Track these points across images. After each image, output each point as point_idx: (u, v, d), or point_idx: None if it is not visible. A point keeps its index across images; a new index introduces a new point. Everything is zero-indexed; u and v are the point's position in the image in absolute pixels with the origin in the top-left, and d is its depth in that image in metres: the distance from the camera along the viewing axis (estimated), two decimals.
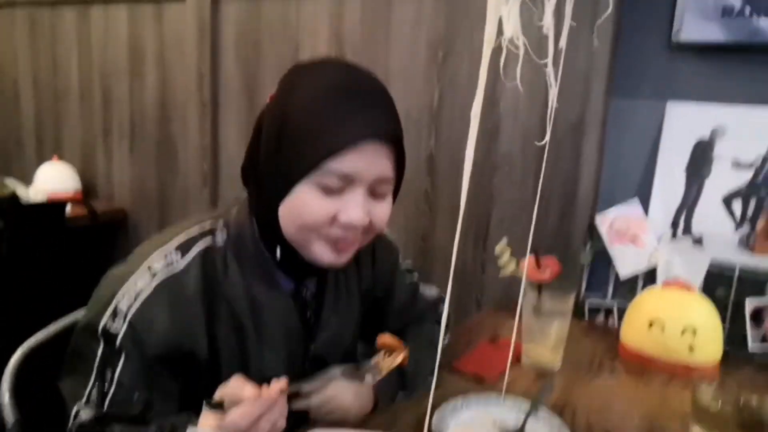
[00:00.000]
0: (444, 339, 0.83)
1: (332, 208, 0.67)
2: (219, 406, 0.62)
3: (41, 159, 2.24)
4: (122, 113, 2.10)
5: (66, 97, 2.25)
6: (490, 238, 1.43)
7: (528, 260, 0.99)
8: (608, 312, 1.32)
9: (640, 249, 1.29)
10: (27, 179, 2.15)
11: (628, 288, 1.30)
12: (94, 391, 0.66)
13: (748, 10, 1.13)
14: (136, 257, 0.70)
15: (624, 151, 1.31)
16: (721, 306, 1.13)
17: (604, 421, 0.82)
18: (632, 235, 1.30)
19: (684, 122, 1.24)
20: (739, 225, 1.21)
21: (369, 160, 0.66)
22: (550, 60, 0.53)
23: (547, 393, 0.87)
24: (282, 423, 0.64)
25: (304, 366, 0.78)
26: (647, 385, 0.96)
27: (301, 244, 0.70)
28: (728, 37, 1.15)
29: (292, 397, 0.70)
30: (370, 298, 0.90)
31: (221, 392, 0.63)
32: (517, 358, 1.00)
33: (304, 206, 0.67)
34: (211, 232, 0.73)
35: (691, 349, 1.00)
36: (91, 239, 2.06)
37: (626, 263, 1.31)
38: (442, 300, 0.99)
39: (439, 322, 0.95)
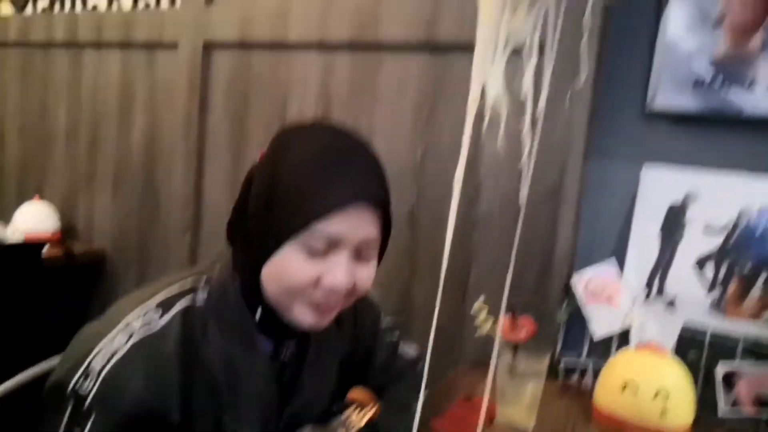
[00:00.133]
0: (421, 400, 0.83)
1: (316, 271, 0.67)
2: None
3: (23, 199, 2.23)
4: (108, 157, 2.11)
5: (52, 138, 2.26)
6: (469, 296, 1.44)
7: (503, 320, 1.00)
8: (583, 372, 1.32)
9: (615, 309, 1.31)
10: (7, 219, 2.13)
11: (603, 348, 1.31)
12: None
13: (718, 82, 1.18)
14: (114, 314, 0.69)
15: (601, 213, 1.34)
16: (693, 370, 1.14)
17: None
18: (607, 295, 1.32)
19: (658, 186, 1.28)
20: (710, 289, 1.24)
21: (355, 223, 0.67)
22: (526, 127, 0.55)
23: None
24: None
25: (278, 428, 0.77)
26: None
27: (282, 306, 0.70)
28: (700, 107, 1.21)
29: None
30: (350, 359, 0.89)
31: None
32: (491, 419, 1.00)
33: (288, 268, 0.67)
34: (193, 290, 0.72)
35: (663, 413, 1.01)
36: (69, 281, 2.03)
37: (601, 323, 1.32)
38: (421, 359, 0.99)
39: (417, 384, 0.95)
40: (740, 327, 1.20)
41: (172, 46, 1.87)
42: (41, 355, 0.85)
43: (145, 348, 0.66)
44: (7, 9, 2.34)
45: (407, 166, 1.53)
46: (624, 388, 1.04)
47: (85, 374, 0.65)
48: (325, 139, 0.69)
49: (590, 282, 1.33)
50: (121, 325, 0.67)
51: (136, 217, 2.05)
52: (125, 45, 2.01)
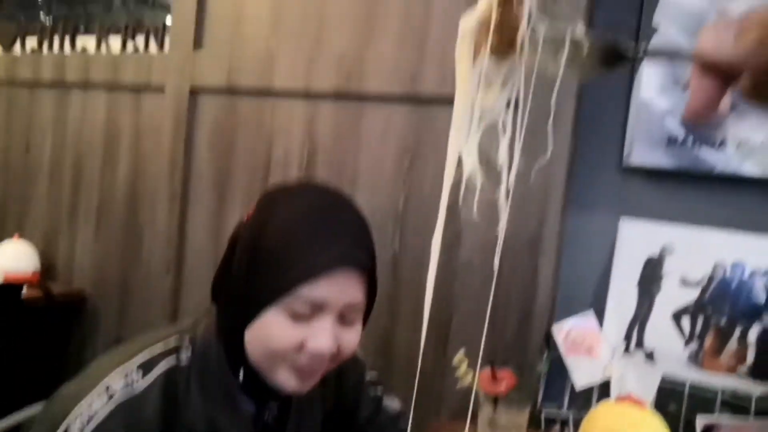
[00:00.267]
0: None
1: (300, 336, 0.66)
2: None
3: (2, 238, 2.20)
4: (91, 196, 2.10)
5: (35, 177, 2.25)
6: (450, 345, 1.45)
7: (483, 373, 1.01)
8: (564, 423, 1.32)
9: (595, 360, 1.32)
10: None
11: (584, 399, 1.32)
12: None
13: (690, 140, 1.22)
14: (93, 375, 0.68)
15: (579, 264, 1.36)
16: (672, 422, 1.14)
17: None
18: (588, 346, 1.33)
19: (635, 239, 1.30)
20: (688, 341, 1.25)
21: (340, 288, 0.66)
22: (502, 195, 0.57)
23: None
24: None
25: None
26: None
27: (265, 369, 0.69)
28: (673, 164, 1.24)
29: None
30: (334, 415, 0.89)
31: None
32: None
33: (271, 332, 0.66)
34: (176, 350, 0.71)
35: None
36: (48, 321, 2.01)
37: (582, 374, 1.32)
38: (404, 414, 0.98)
39: None
40: (718, 380, 1.21)
41: (159, 89, 1.89)
42: (17, 399, 0.83)
43: (125, 411, 0.65)
44: None
45: (390, 213, 1.54)
46: None
47: None
48: (312, 201, 0.69)
49: (570, 333, 1.34)
50: (100, 387, 0.66)
51: (117, 258, 2.03)
52: (112, 87, 2.03)
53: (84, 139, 2.12)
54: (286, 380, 0.69)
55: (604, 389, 1.30)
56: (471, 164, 0.54)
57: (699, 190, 1.25)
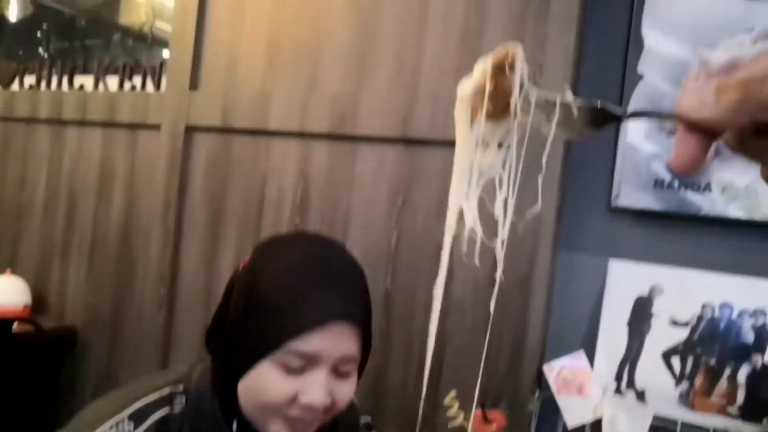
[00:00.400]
0: None
1: (293, 389, 0.66)
2: None
3: None
4: (84, 232, 2.11)
5: (29, 212, 2.25)
6: (442, 383, 1.45)
7: (475, 415, 1.01)
8: None
9: (586, 400, 1.32)
10: None
11: None
12: None
13: (676, 183, 1.25)
14: (83, 426, 0.68)
15: (570, 304, 1.37)
16: None
17: None
18: (579, 385, 1.34)
19: (625, 279, 1.32)
20: (679, 381, 1.26)
21: (334, 341, 0.66)
22: (499, 244, 0.58)
23: None
24: None
25: None
26: None
27: (258, 421, 0.69)
28: (660, 206, 1.26)
29: None
30: None
31: None
32: None
33: (264, 385, 0.66)
34: (170, 398, 0.71)
35: None
36: (38, 357, 1.99)
37: (573, 414, 1.33)
38: None
39: None
40: (709, 420, 1.22)
41: (155, 127, 1.91)
42: None
43: None
44: None
45: (382, 251, 1.55)
46: None
47: None
48: (307, 252, 0.69)
49: (561, 372, 1.35)
50: None
51: (109, 294, 2.03)
52: (108, 124, 2.05)
53: (79, 175, 2.13)
54: None
55: (595, 429, 1.30)
56: (471, 219, 0.56)
57: (686, 232, 1.27)
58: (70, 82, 2.17)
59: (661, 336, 1.28)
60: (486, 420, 1.04)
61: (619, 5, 1.33)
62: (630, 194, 1.29)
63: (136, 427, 0.67)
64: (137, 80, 2.03)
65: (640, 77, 1.28)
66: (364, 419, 0.95)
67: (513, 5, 1.42)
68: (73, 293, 2.12)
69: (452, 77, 1.48)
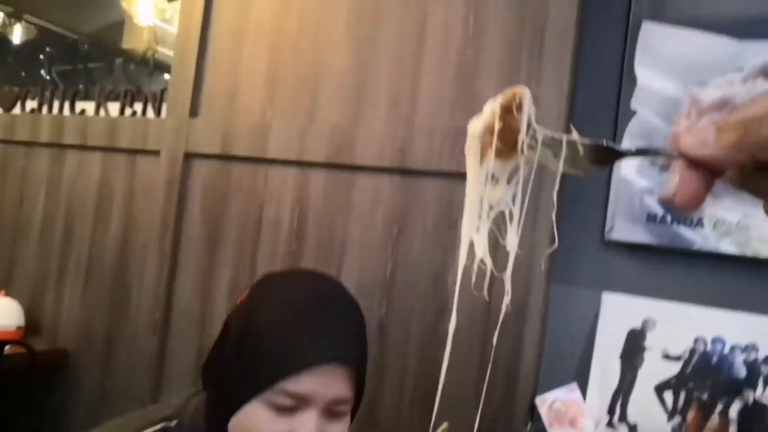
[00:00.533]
0: None
1: (283, 429, 0.66)
2: None
3: None
4: (81, 254, 2.11)
5: (25, 233, 2.26)
6: (437, 414, 1.44)
7: None
8: None
9: None
10: None
11: None
12: None
13: (669, 218, 1.26)
14: None
15: (563, 336, 1.37)
16: None
17: None
18: (571, 418, 1.34)
19: (618, 312, 1.33)
20: (670, 416, 1.26)
21: (326, 383, 0.66)
22: (508, 274, 0.59)
23: None
24: None
25: None
26: None
27: None
28: (653, 240, 1.28)
29: None
30: None
31: None
32: None
33: (254, 425, 0.66)
34: None
35: None
36: (29, 379, 1.98)
37: None
38: None
39: None
40: None
41: (155, 153, 1.93)
42: None
43: None
44: None
45: (377, 279, 1.56)
46: None
47: None
48: (305, 292, 0.69)
49: (554, 404, 1.35)
50: None
51: (104, 317, 2.03)
52: (108, 149, 2.07)
53: (77, 198, 2.14)
54: None
55: None
56: (481, 252, 0.57)
57: (679, 266, 1.29)
58: (72, 108, 2.19)
59: (654, 369, 1.28)
60: None
61: (612, 43, 1.36)
62: (623, 228, 1.30)
63: None
64: (138, 106, 2.05)
65: (633, 113, 1.30)
66: None
67: (508, 40, 1.45)
68: (68, 315, 2.12)
69: (448, 109, 1.51)
